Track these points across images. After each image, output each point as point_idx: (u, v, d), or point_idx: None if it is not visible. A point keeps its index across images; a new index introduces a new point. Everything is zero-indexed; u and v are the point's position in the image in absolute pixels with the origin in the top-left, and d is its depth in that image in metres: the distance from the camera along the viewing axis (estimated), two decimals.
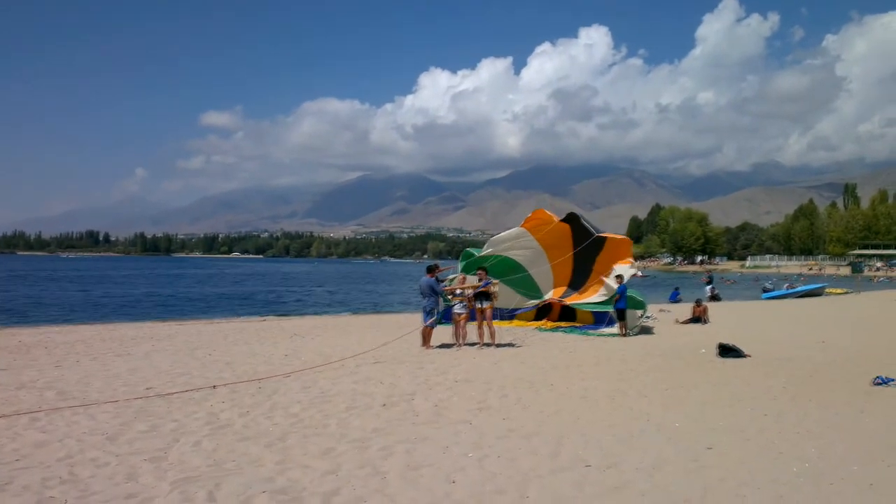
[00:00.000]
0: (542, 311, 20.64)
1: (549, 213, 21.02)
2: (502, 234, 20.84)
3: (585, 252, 19.95)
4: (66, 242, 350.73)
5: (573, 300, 19.71)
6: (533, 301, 20.37)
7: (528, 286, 20.42)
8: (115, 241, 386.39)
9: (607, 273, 18.58)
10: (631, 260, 19.78)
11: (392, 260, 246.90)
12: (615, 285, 17.56)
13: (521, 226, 20.39)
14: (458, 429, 7.67)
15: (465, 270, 18.63)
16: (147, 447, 6.75)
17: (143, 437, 7.10)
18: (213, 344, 15.32)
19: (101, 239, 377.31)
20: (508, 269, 19.55)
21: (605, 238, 20.06)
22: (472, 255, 20.04)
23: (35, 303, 34.84)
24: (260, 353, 13.66)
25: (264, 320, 23.59)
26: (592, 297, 19.26)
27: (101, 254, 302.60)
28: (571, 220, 20.51)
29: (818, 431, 7.84)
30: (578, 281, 20.36)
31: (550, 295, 20.49)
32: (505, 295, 18.70)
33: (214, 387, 9.90)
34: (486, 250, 20.04)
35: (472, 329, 15.29)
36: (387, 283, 72.04)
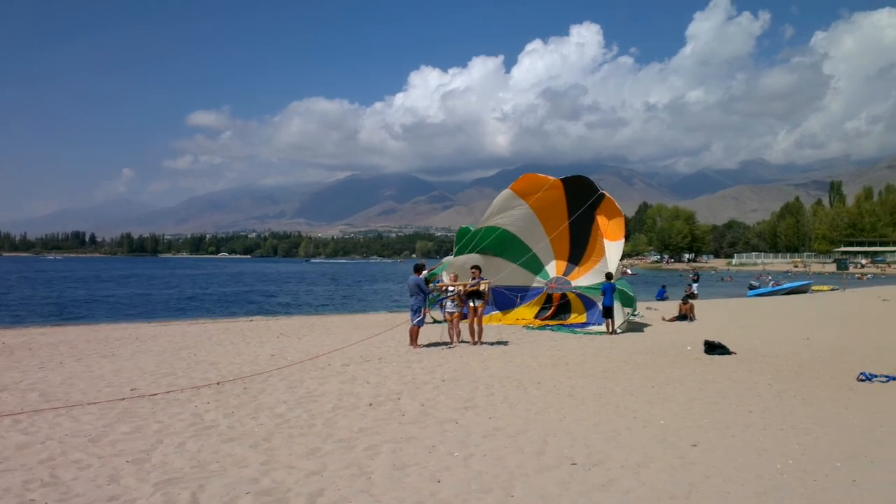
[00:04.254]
0: (542, 307, 20.63)
1: (541, 175, 19.62)
2: (493, 202, 19.76)
3: (582, 219, 19.33)
4: (51, 243, 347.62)
5: (573, 277, 19.86)
6: (539, 281, 20.39)
7: (528, 258, 20.04)
8: (102, 241, 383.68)
9: (600, 255, 18.75)
10: (621, 240, 19.39)
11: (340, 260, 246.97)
12: (611, 266, 17.96)
13: (510, 187, 19.47)
14: (444, 428, 7.65)
15: (461, 250, 18.98)
16: (130, 449, 6.68)
17: (127, 439, 7.03)
18: (198, 345, 15.21)
19: (87, 240, 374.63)
20: (506, 243, 19.43)
21: (602, 196, 19.24)
22: (469, 230, 19.85)
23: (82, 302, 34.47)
24: (245, 353, 13.57)
25: (251, 320, 23.44)
26: (586, 276, 19.52)
27: (88, 255, 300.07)
28: (568, 183, 19.28)
29: (803, 428, 7.89)
30: (577, 253, 20.18)
31: (553, 268, 20.38)
32: (509, 271, 18.94)
33: (219, 383, 10.09)
34: (481, 224, 19.71)
35: (464, 327, 15.34)
36: (367, 283, 71.93)
